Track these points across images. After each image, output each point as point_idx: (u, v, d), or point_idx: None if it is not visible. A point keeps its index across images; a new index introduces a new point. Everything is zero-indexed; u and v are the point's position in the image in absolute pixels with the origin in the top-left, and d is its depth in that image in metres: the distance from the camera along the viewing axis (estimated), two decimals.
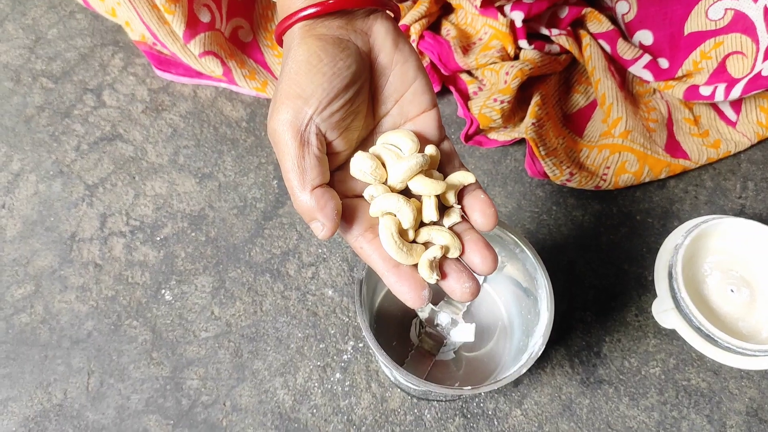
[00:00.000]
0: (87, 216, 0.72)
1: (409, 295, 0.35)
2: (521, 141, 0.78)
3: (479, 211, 0.38)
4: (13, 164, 0.75)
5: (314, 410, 0.63)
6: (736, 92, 0.71)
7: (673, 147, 0.77)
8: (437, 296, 0.61)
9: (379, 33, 0.39)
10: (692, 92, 0.74)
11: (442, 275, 0.37)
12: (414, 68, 0.40)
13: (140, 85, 0.81)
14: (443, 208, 0.39)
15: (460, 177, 0.39)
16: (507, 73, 0.75)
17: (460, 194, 0.39)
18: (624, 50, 0.76)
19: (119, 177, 0.74)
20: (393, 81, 0.40)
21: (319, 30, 0.37)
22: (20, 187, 0.73)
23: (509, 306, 0.63)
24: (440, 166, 0.41)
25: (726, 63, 0.72)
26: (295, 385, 0.64)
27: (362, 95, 0.38)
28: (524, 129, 0.74)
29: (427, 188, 0.37)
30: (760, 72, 0.69)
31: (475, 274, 0.37)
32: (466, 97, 0.79)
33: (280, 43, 0.39)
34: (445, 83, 0.80)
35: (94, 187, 0.74)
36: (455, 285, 0.36)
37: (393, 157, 0.38)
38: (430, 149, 0.39)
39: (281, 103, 0.35)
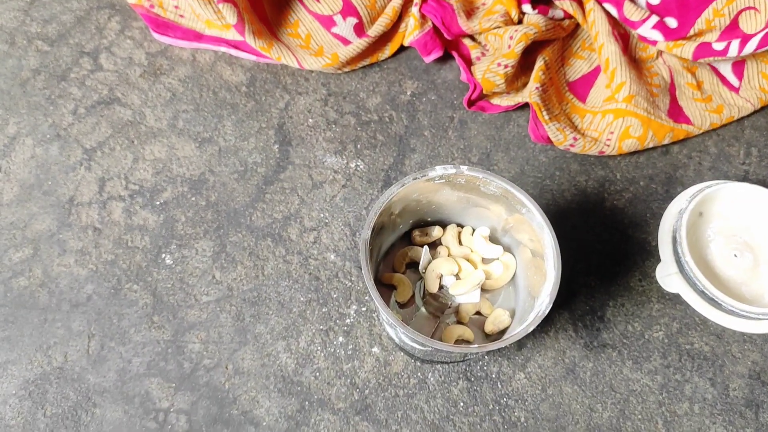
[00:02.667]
0: (85, 180, 0.71)
1: None
2: (524, 107, 0.77)
3: None
4: (9, 127, 0.73)
5: (317, 373, 0.63)
6: (750, 47, 0.70)
7: (676, 112, 0.76)
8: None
9: None
10: (704, 49, 0.73)
11: None
12: None
13: (138, 48, 0.79)
14: None
15: None
16: (511, 38, 0.74)
17: None
18: (631, 12, 0.75)
19: (117, 141, 0.73)
20: None
21: None
22: (17, 150, 0.72)
23: (515, 267, 0.63)
24: None
25: (738, 19, 0.72)
26: (298, 349, 0.64)
27: None
28: (528, 93, 0.73)
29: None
30: None
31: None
32: (469, 62, 0.78)
33: None
34: (447, 48, 0.79)
35: (92, 150, 0.72)
36: None
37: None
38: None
39: None
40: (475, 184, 0.56)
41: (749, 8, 0.71)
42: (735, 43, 0.71)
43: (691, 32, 0.74)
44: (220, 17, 0.74)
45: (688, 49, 0.74)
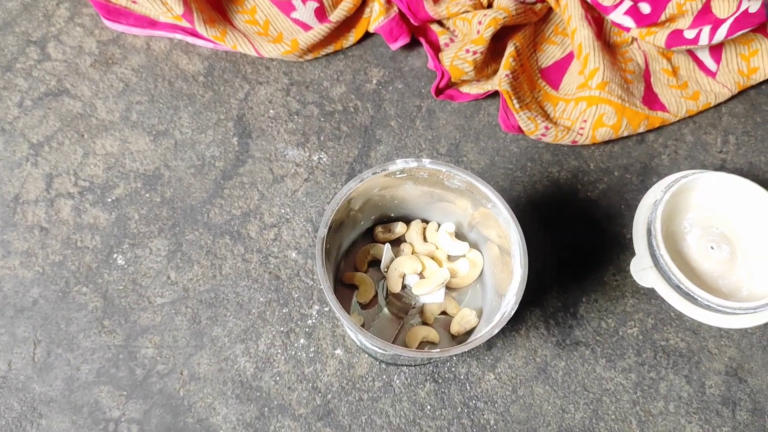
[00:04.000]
0: (32, 176, 0.67)
1: None
2: (495, 95, 0.74)
3: None
4: None
5: (277, 378, 0.60)
6: (721, 34, 0.67)
7: (651, 99, 0.73)
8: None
9: None
10: (675, 37, 0.71)
11: None
12: None
13: (88, 36, 0.75)
14: None
15: None
16: (480, 23, 0.71)
17: None
18: None
19: (66, 135, 0.69)
20: None
21: None
22: None
23: (482, 265, 0.60)
24: None
25: (711, 3, 0.69)
26: (257, 352, 0.61)
27: None
28: (498, 81, 0.70)
29: None
30: (747, 9, 0.65)
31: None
32: (437, 49, 0.75)
33: None
34: (414, 34, 0.76)
35: (39, 145, 0.69)
36: None
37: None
38: None
39: None
40: (438, 178, 0.53)
41: None
42: (706, 30, 0.68)
43: (663, 17, 0.71)
44: (168, 8, 0.71)
45: (660, 37, 0.71)
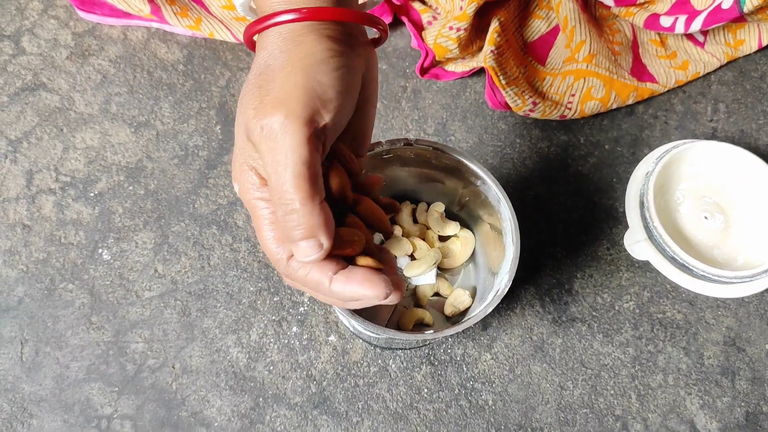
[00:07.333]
0: (11, 173, 0.65)
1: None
2: (481, 73, 0.73)
3: None
4: None
5: (271, 367, 0.59)
6: (696, 25, 0.67)
7: (640, 70, 0.72)
8: None
9: (372, 62, 0.36)
10: (652, 21, 0.70)
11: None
12: (374, 113, 0.39)
13: (63, 28, 0.73)
14: None
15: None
16: None
17: None
18: None
19: (45, 130, 0.68)
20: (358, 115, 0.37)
21: (326, 31, 0.33)
22: None
23: (473, 244, 0.59)
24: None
25: None
26: (249, 342, 0.60)
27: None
28: (483, 57, 0.69)
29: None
30: (720, 4, 0.65)
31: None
32: (420, 28, 0.73)
33: (250, 42, 0.35)
34: (396, 14, 0.74)
35: (18, 141, 0.67)
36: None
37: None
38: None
39: (292, 96, 0.30)
40: (425, 158, 0.52)
41: None
42: (682, 20, 0.68)
43: None
44: (133, 8, 0.69)
45: (639, 17, 0.70)
